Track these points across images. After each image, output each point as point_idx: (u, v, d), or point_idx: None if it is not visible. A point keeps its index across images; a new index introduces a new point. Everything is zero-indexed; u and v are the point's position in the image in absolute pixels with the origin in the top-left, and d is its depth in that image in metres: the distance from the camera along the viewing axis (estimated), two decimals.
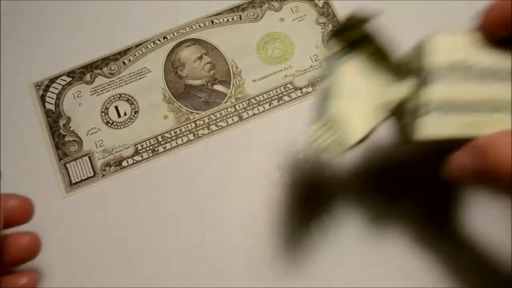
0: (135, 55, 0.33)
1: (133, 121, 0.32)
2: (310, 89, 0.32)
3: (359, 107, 0.20)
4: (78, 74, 0.33)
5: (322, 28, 0.34)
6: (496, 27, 0.20)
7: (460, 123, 0.19)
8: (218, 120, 0.32)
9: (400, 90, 0.20)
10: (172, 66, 0.33)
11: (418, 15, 0.34)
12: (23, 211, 0.25)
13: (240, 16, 0.34)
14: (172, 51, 0.33)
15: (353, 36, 0.21)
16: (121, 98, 0.32)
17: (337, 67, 0.20)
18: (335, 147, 0.20)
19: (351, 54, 0.21)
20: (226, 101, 0.32)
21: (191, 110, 0.32)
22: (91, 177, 0.31)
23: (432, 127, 0.19)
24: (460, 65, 0.19)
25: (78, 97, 0.32)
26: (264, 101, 0.32)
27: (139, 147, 0.31)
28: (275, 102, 0.32)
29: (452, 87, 0.19)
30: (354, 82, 0.20)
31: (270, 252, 0.28)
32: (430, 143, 0.20)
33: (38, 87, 0.33)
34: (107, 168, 0.31)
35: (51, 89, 0.33)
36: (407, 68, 0.20)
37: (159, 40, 0.34)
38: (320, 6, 0.34)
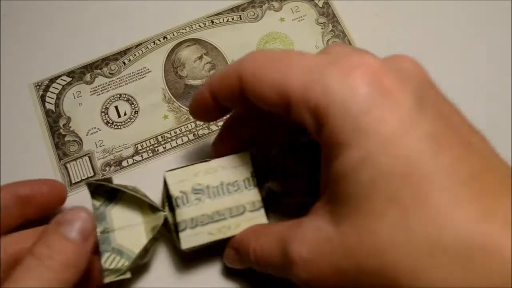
0: (135, 55, 0.33)
1: (133, 121, 0.32)
2: None
3: (134, 236, 0.26)
4: (78, 74, 0.33)
5: (322, 28, 0.34)
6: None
7: (210, 231, 0.25)
8: (218, 121, 0.32)
9: (159, 216, 0.26)
10: (172, 66, 0.33)
11: (416, 16, 0.34)
12: (58, 196, 0.28)
13: (240, 16, 0.34)
14: (172, 51, 0.33)
15: (107, 189, 0.27)
16: (121, 98, 0.32)
17: (108, 212, 0.27)
18: (126, 267, 0.25)
19: (114, 200, 0.27)
20: None
21: None
22: (91, 177, 0.31)
23: (189, 240, 0.25)
24: (193, 190, 0.26)
25: (78, 97, 0.32)
26: None
27: (139, 147, 0.31)
28: None
29: (194, 207, 0.26)
30: (126, 219, 0.27)
31: None
32: (199, 248, 0.26)
33: (38, 87, 0.33)
34: (107, 168, 0.31)
35: (51, 89, 0.33)
36: (164, 198, 0.27)
37: (159, 40, 0.34)
38: (320, 6, 0.34)
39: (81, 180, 0.31)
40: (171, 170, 0.27)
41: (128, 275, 0.25)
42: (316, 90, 0.20)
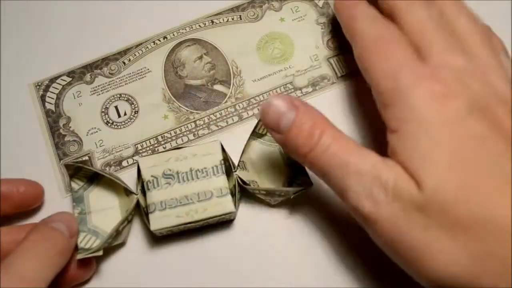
0: (135, 55, 0.33)
1: (133, 121, 0.32)
2: (310, 89, 0.32)
3: (109, 218, 0.28)
4: (78, 74, 0.33)
5: (322, 28, 0.34)
6: None
7: (178, 214, 0.27)
8: (218, 120, 0.32)
9: (132, 199, 0.28)
10: (172, 66, 0.33)
11: None
12: (34, 196, 0.29)
13: (240, 16, 0.34)
14: (172, 51, 0.33)
15: (87, 173, 0.29)
16: (121, 98, 0.32)
17: (86, 195, 0.29)
18: (98, 246, 0.26)
19: (93, 184, 0.29)
20: (226, 101, 0.32)
21: (191, 110, 0.32)
22: None
23: (157, 222, 0.27)
24: (163, 174, 0.28)
25: (78, 97, 0.32)
26: (264, 101, 0.32)
27: (139, 147, 0.31)
28: None
29: (163, 191, 0.27)
30: (102, 202, 0.29)
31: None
32: (168, 230, 0.27)
33: (38, 87, 0.33)
34: (107, 168, 0.31)
35: (51, 89, 0.33)
36: (138, 182, 0.28)
37: (159, 40, 0.34)
38: (320, 6, 0.34)
39: None
40: (144, 156, 0.30)
41: (99, 253, 0.26)
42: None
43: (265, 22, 0.34)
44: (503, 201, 0.21)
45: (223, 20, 0.34)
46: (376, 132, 0.31)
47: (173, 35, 0.34)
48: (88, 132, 0.32)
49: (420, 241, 0.21)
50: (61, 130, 0.32)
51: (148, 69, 0.33)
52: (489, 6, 0.34)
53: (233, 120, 0.32)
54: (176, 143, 0.31)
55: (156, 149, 0.31)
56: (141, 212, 0.28)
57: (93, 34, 0.34)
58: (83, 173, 0.29)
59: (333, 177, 0.23)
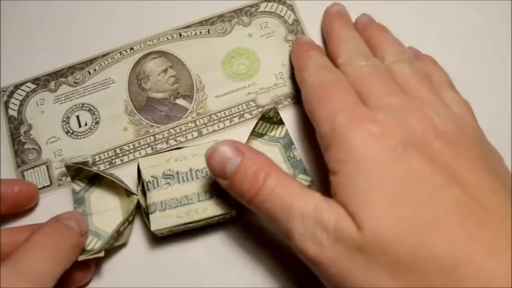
0: (101, 65, 0.33)
1: (93, 132, 0.32)
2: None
3: (110, 219, 0.28)
4: (43, 82, 0.33)
5: (290, 46, 0.33)
6: None
7: (178, 214, 0.27)
8: (177, 135, 0.31)
9: (132, 200, 0.28)
10: (137, 78, 0.33)
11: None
12: (28, 196, 0.29)
13: (209, 30, 0.34)
14: (138, 62, 0.33)
15: (87, 175, 0.29)
16: (83, 108, 0.32)
17: (87, 197, 0.29)
18: (100, 247, 0.26)
19: (94, 186, 0.29)
20: (187, 116, 0.32)
21: (152, 124, 0.32)
22: (47, 186, 0.31)
23: (158, 222, 0.27)
24: (163, 175, 0.28)
25: (41, 104, 0.33)
26: (225, 118, 0.32)
27: (97, 158, 0.31)
28: (236, 119, 0.32)
29: (163, 191, 0.27)
30: (104, 203, 0.29)
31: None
32: (169, 230, 0.27)
33: (2, 93, 0.33)
34: (64, 178, 0.31)
35: (15, 95, 0.33)
36: (138, 183, 0.29)
37: (126, 51, 0.34)
38: (290, 23, 0.34)
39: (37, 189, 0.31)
40: (144, 156, 0.30)
41: (101, 254, 0.26)
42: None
43: (233, 37, 0.34)
44: (443, 236, 0.20)
45: (191, 34, 0.34)
46: None
47: (140, 46, 0.34)
48: (48, 141, 0.32)
49: (363, 283, 0.21)
50: (21, 138, 0.32)
51: (112, 80, 0.33)
52: (489, 6, 0.33)
53: (192, 135, 0.31)
54: (134, 156, 0.31)
55: (113, 161, 0.31)
56: (141, 212, 0.28)
57: (60, 42, 0.34)
58: (84, 174, 0.29)
59: (278, 219, 0.23)
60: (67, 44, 0.34)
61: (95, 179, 0.29)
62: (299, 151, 0.29)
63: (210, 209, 0.27)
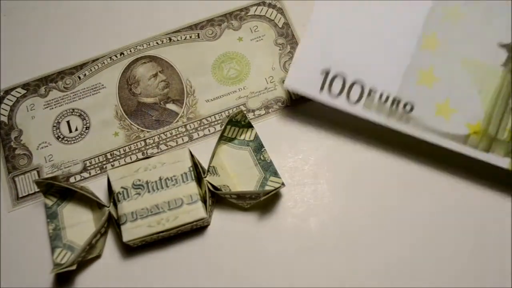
0: (91, 70, 0.33)
1: (84, 137, 0.32)
2: (262, 112, 0.32)
3: (83, 232, 0.28)
4: (33, 87, 0.33)
5: (280, 49, 0.33)
6: None
7: (150, 224, 0.27)
8: (168, 140, 0.32)
9: (104, 212, 0.28)
10: (127, 83, 0.33)
11: None
12: None
13: (198, 34, 0.34)
14: (128, 67, 0.33)
15: (59, 189, 0.29)
16: (73, 113, 0.32)
17: (60, 211, 0.29)
18: (71, 261, 0.27)
19: (66, 200, 0.29)
20: (178, 121, 0.32)
21: (142, 128, 0.32)
22: (38, 191, 0.31)
23: (130, 232, 0.27)
24: (133, 185, 0.28)
25: (31, 110, 0.33)
26: (216, 122, 0.32)
27: (88, 164, 0.31)
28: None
29: (134, 201, 0.27)
30: (76, 216, 0.29)
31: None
32: (142, 240, 0.27)
33: None
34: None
35: (5, 100, 0.33)
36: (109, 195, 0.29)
37: (116, 56, 0.34)
38: (280, 26, 0.34)
39: (28, 195, 0.31)
40: (113, 168, 0.30)
41: (73, 267, 0.27)
42: None
43: (223, 41, 0.34)
44: None
45: (181, 38, 0.34)
46: (319, 157, 0.31)
47: (130, 51, 0.34)
48: (38, 146, 0.32)
49: None
50: (12, 143, 0.32)
51: (102, 85, 0.33)
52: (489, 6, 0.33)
53: (183, 140, 0.32)
54: (125, 161, 0.31)
55: (104, 166, 0.31)
56: (114, 224, 0.28)
57: (50, 47, 0.34)
58: (56, 189, 0.29)
59: None
60: (57, 49, 0.34)
61: (67, 193, 0.29)
62: (268, 154, 0.30)
63: (181, 216, 0.27)
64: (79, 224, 0.29)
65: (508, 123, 0.26)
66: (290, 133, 0.31)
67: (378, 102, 0.27)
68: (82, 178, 0.31)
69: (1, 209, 0.30)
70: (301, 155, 0.31)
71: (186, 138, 0.32)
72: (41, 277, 0.29)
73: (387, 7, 0.27)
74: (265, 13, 0.34)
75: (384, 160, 0.30)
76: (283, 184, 0.28)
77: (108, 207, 0.28)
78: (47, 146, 0.32)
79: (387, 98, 0.27)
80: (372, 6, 0.27)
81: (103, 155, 0.31)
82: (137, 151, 0.31)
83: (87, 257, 0.28)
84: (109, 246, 0.29)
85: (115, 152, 0.31)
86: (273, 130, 0.31)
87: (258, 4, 0.34)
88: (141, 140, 0.32)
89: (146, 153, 0.31)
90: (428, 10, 0.27)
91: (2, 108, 0.33)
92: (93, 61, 0.33)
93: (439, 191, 0.30)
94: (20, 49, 0.34)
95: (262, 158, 0.29)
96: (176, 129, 0.32)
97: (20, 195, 0.31)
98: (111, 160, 0.31)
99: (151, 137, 0.32)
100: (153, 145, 0.31)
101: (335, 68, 0.28)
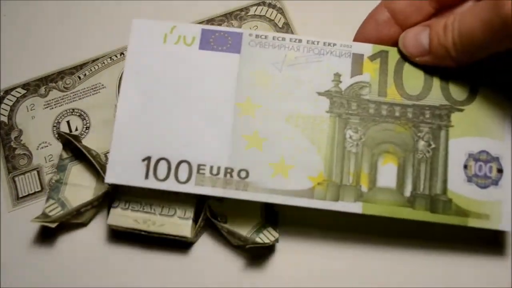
0: (91, 70, 0.33)
1: (84, 137, 0.32)
2: None
3: (80, 196, 0.29)
4: (33, 87, 0.33)
5: None
6: None
7: (136, 219, 0.27)
8: None
9: (105, 187, 0.28)
10: None
11: None
12: None
13: None
14: None
15: (73, 147, 0.29)
16: (73, 113, 0.32)
17: (70, 167, 0.29)
18: (55, 218, 0.27)
19: (76, 160, 0.30)
20: None
21: None
22: (38, 191, 0.31)
23: (115, 218, 0.27)
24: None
25: (31, 110, 0.33)
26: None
27: None
28: None
29: (134, 189, 0.27)
30: (81, 178, 0.29)
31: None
32: (125, 229, 0.27)
33: None
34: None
35: (5, 100, 0.33)
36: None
37: (116, 56, 0.34)
38: (280, 26, 0.34)
39: (28, 195, 0.31)
40: None
41: (52, 225, 0.27)
42: None
43: None
44: None
45: None
46: None
47: None
48: (38, 146, 0.32)
49: None
50: (12, 143, 0.32)
51: (102, 85, 0.33)
52: None
53: None
54: None
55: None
56: (108, 203, 0.28)
57: (50, 47, 0.34)
58: (74, 146, 0.30)
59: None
60: (57, 49, 0.34)
61: (83, 155, 0.29)
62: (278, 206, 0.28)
63: (168, 226, 0.27)
64: (80, 186, 0.29)
65: (351, 167, 0.26)
66: None
67: (210, 176, 0.26)
68: None
69: (1, 209, 0.30)
70: None
71: None
72: (41, 277, 0.29)
73: (195, 83, 0.27)
74: (265, 13, 0.34)
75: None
76: (277, 240, 0.27)
77: (110, 184, 0.28)
78: (47, 146, 0.32)
79: (219, 169, 0.26)
80: (179, 86, 0.27)
81: (103, 155, 0.31)
82: None
83: (71, 220, 0.28)
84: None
85: None
86: None
87: (258, 4, 0.34)
88: None
89: None
90: (235, 78, 0.27)
91: (2, 108, 0.33)
92: (93, 61, 0.33)
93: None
94: (20, 49, 0.34)
95: (270, 205, 0.28)
96: None
97: (20, 195, 0.31)
98: None
99: None
100: None
101: (157, 154, 0.26)
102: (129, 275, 0.29)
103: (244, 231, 0.27)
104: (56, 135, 0.31)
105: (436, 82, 0.27)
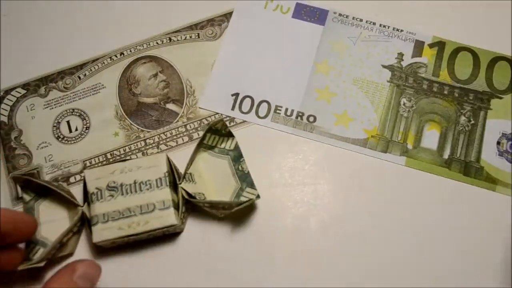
0: (91, 70, 0.33)
1: (84, 137, 0.32)
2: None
3: (57, 230, 0.28)
4: (33, 87, 0.33)
5: None
6: None
7: (120, 226, 0.27)
8: (168, 140, 0.32)
9: (78, 211, 0.28)
10: (127, 83, 0.33)
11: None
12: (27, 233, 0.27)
13: (198, 34, 0.34)
14: (128, 67, 0.33)
15: (37, 185, 0.29)
16: (73, 113, 0.32)
17: (37, 207, 0.29)
18: (40, 257, 0.27)
19: (43, 196, 0.29)
20: (178, 121, 0.32)
21: (142, 128, 0.32)
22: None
23: (99, 234, 0.27)
24: (108, 187, 0.28)
25: (31, 110, 0.33)
26: None
27: (88, 164, 0.31)
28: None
29: (106, 203, 0.27)
30: (52, 213, 0.29)
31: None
32: (112, 242, 0.27)
33: None
34: (55, 183, 0.31)
35: (5, 100, 0.33)
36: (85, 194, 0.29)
37: (116, 56, 0.34)
38: None
39: None
40: (90, 168, 0.30)
41: (41, 264, 0.27)
42: None
43: (223, 41, 0.34)
44: None
45: (181, 38, 0.34)
46: (319, 157, 0.31)
47: (130, 51, 0.34)
48: (38, 146, 0.32)
49: None
50: (12, 143, 0.32)
51: (102, 85, 0.33)
52: (489, 6, 0.34)
53: (183, 140, 0.32)
54: None
55: None
56: (86, 224, 0.28)
57: (50, 47, 0.34)
58: (35, 185, 0.29)
59: None
60: (57, 49, 0.34)
61: (46, 190, 0.29)
62: (246, 164, 0.29)
63: (152, 222, 0.27)
64: (53, 221, 0.29)
65: (401, 127, 0.31)
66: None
67: (284, 116, 0.31)
68: (82, 178, 0.31)
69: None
70: (301, 155, 0.31)
71: (186, 138, 0.32)
72: (34, 272, 0.29)
73: (284, 43, 0.33)
74: None
75: (383, 160, 0.31)
76: (258, 196, 0.28)
77: (82, 206, 0.28)
78: (47, 146, 0.32)
79: (292, 112, 0.31)
80: (271, 43, 0.33)
81: (103, 155, 0.31)
82: (137, 151, 0.31)
83: (57, 254, 0.28)
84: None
85: (115, 152, 0.31)
86: (274, 130, 0.31)
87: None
88: (141, 140, 0.32)
89: (146, 153, 0.31)
90: (317, 43, 0.33)
91: (2, 108, 0.33)
92: (93, 61, 0.34)
93: (439, 190, 0.30)
94: (20, 49, 0.34)
95: (240, 168, 0.29)
96: (176, 129, 0.32)
97: (20, 195, 0.31)
98: (111, 160, 0.31)
99: (151, 137, 0.32)
100: (153, 145, 0.31)
101: (244, 92, 0.32)
102: (129, 284, 0.29)
103: (226, 199, 0.29)
104: (12, 180, 0.30)
105: (482, 73, 0.32)
